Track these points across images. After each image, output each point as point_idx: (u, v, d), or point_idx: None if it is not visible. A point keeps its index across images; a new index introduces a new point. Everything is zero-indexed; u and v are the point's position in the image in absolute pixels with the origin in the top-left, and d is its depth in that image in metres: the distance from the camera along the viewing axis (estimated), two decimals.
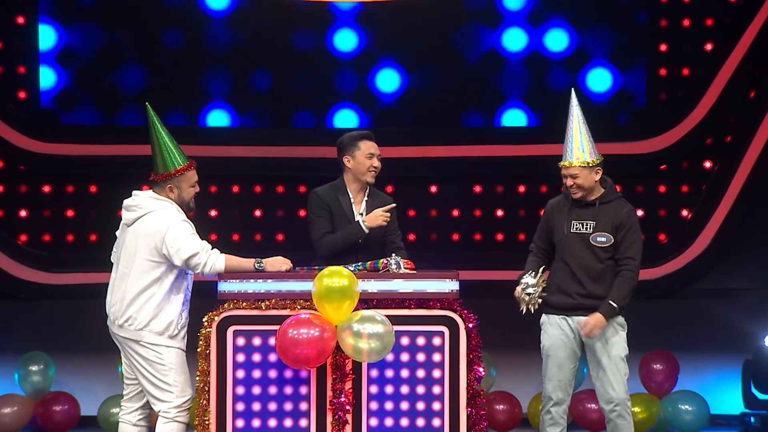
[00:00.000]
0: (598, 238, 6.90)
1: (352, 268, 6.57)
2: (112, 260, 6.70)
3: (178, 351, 6.52)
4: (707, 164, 10.28)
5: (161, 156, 6.57)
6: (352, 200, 7.22)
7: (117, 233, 6.72)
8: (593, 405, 9.88)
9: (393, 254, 6.71)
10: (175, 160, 6.58)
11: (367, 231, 7.05)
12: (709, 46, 10.30)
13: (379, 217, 7.06)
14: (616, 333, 6.96)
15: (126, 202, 6.61)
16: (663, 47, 10.32)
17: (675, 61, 10.32)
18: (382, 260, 6.64)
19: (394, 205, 7.19)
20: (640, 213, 10.26)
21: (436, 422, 6.42)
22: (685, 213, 10.27)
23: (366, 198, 7.26)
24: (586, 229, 6.92)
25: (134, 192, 6.64)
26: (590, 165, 6.93)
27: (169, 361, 6.48)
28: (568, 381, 7.01)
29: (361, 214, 7.19)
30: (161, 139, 6.57)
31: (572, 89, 7.08)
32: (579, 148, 6.95)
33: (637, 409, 9.86)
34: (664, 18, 10.31)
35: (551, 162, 10.48)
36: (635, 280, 6.86)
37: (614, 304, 6.81)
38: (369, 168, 7.19)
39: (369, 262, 6.70)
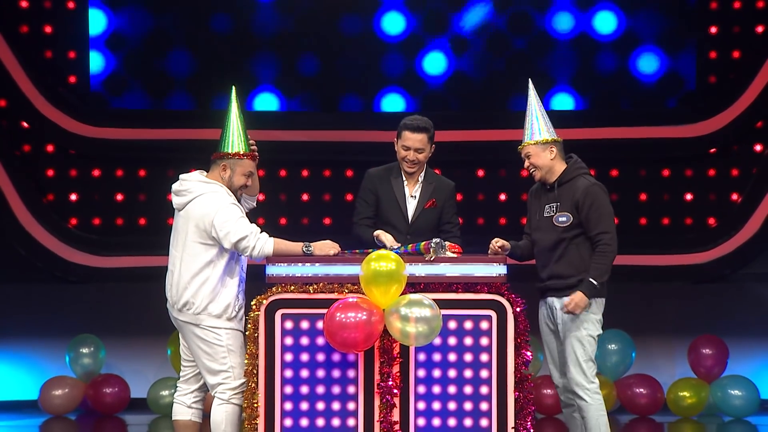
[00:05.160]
0: (560, 218, 6.77)
1: (396, 248, 6.58)
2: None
3: (237, 333, 6.56)
4: (758, 148, 10.19)
5: (230, 136, 6.62)
6: (405, 182, 7.21)
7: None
8: (642, 390, 9.87)
9: (434, 238, 6.64)
10: (239, 144, 6.63)
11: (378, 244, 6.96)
12: (760, 29, 10.20)
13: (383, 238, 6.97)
14: (577, 315, 6.69)
15: (174, 187, 6.65)
16: (713, 30, 10.23)
17: (725, 44, 10.23)
18: (423, 243, 6.61)
19: (393, 244, 6.87)
20: (689, 197, 10.23)
21: (484, 406, 6.41)
22: (735, 197, 10.19)
23: (422, 181, 7.24)
24: (553, 211, 6.84)
25: (181, 176, 6.66)
26: (541, 143, 6.77)
27: (228, 343, 6.51)
28: (561, 362, 6.84)
29: (413, 197, 7.18)
30: (235, 121, 6.63)
31: (529, 80, 7.02)
32: (529, 128, 6.86)
33: (686, 394, 9.83)
34: (714, 0, 10.21)
35: (599, 145, 10.45)
36: (612, 253, 6.64)
37: (593, 281, 6.61)
38: (404, 159, 7.18)
39: (410, 245, 6.69)
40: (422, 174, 7.23)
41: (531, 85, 6.97)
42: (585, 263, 6.71)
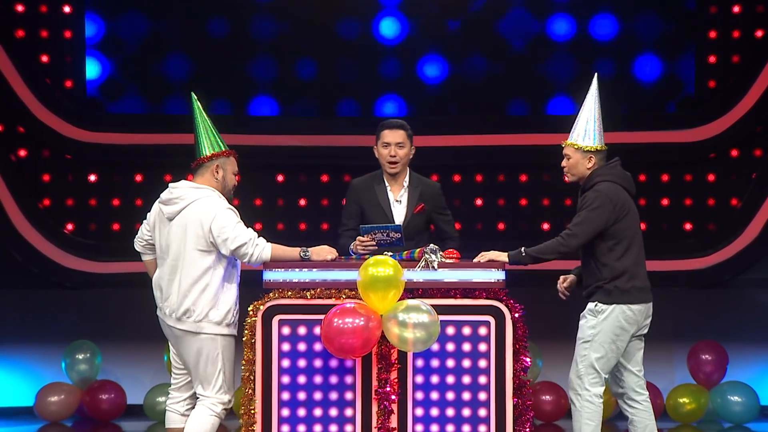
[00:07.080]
0: None
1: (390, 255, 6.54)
2: (136, 248, 6.71)
3: (232, 340, 6.51)
4: (757, 153, 10.16)
5: (207, 138, 6.56)
6: (389, 188, 7.20)
7: (146, 226, 6.67)
8: None
9: (430, 244, 6.60)
10: (220, 143, 6.59)
11: (354, 255, 6.95)
12: (759, 33, 10.17)
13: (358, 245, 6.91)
14: (583, 318, 6.65)
15: (163, 196, 6.54)
16: (712, 34, 10.21)
17: (724, 48, 10.20)
18: (417, 250, 6.57)
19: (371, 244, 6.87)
20: (688, 202, 10.19)
21: (482, 412, 6.38)
22: (734, 202, 10.16)
23: (407, 185, 7.21)
24: None
25: (171, 185, 6.57)
26: (583, 149, 6.68)
27: (226, 354, 6.46)
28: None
29: (399, 201, 7.17)
30: (206, 124, 6.58)
31: (596, 74, 6.89)
32: (581, 129, 6.76)
33: (685, 400, 9.80)
34: (714, 4, 10.19)
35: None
36: (562, 246, 6.49)
37: (523, 251, 6.57)
38: (386, 158, 7.16)
39: (405, 252, 6.65)
40: (406, 178, 7.22)
41: (594, 81, 6.79)
42: (602, 268, 6.55)
